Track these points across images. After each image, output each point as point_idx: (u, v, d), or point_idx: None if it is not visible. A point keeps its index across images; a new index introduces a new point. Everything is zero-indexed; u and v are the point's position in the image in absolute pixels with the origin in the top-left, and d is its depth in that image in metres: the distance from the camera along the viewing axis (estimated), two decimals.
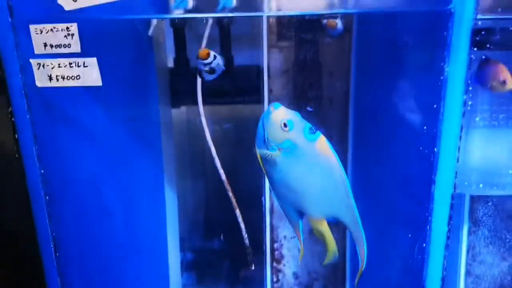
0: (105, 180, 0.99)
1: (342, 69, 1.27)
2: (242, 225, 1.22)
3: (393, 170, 0.84)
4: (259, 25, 1.26)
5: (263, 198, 1.42)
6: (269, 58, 1.33)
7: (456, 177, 0.69)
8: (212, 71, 0.96)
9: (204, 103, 1.24)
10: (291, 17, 1.13)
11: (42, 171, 0.72)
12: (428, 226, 0.72)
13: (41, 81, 0.66)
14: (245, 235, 1.23)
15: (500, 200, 1.27)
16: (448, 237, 0.72)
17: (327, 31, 0.96)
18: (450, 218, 0.71)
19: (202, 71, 0.96)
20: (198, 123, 1.23)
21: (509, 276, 1.39)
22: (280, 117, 0.67)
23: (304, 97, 1.34)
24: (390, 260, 0.88)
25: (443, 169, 0.69)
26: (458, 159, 0.68)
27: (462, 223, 1.28)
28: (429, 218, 0.71)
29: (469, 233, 1.29)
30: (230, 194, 1.22)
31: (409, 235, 0.77)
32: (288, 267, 1.47)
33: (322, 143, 0.67)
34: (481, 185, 0.77)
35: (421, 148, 0.71)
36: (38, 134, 0.71)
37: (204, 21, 1.05)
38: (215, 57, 0.94)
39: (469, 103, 0.65)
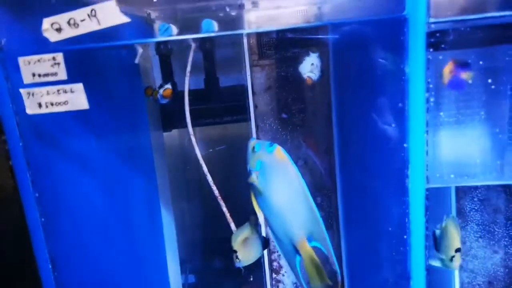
0: (100, 203, 1.02)
1: (322, 81, 1.32)
2: None
3: (372, 169, 0.89)
4: (240, 46, 1.32)
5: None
6: (252, 77, 1.39)
7: (427, 169, 0.73)
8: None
9: (193, 125, 1.28)
10: (269, 32, 1.19)
11: (37, 195, 0.76)
12: (406, 219, 0.76)
13: (31, 109, 0.71)
14: None
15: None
16: (427, 228, 0.76)
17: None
18: (427, 209, 0.75)
19: (162, 103, 1.16)
20: (187, 142, 1.27)
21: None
22: (252, 145, 0.87)
23: (288, 111, 1.40)
24: (377, 252, 0.91)
25: (414, 163, 0.73)
26: (427, 152, 0.72)
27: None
28: (407, 210, 0.75)
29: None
30: (224, 209, 1.25)
31: (390, 229, 0.81)
32: (287, 277, 1.49)
33: (278, 151, 0.83)
34: (452, 176, 0.81)
35: (392, 145, 0.76)
36: (31, 159, 0.75)
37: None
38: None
39: (432, 99, 0.70)
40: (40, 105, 0.70)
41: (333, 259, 0.84)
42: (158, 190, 1.52)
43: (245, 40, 1.30)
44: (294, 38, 1.28)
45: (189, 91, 1.27)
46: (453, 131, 0.81)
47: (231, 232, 1.28)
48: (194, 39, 1.26)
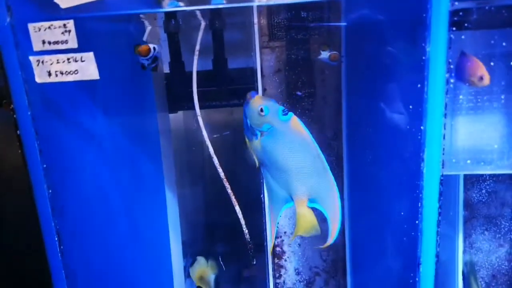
0: (105, 179, 1.01)
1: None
2: (242, 221, 1.24)
3: (384, 151, 0.87)
4: (250, 27, 1.30)
5: (262, 196, 1.45)
6: (261, 59, 1.36)
7: (443, 154, 0.71)
8: (154, 60, 1.02)
9: (200, 107, 1.27)
10: (280, 10, 1.17)
11: (45, 166, 0.75)
12: (419, 203, 0.74)
13: (40, 77, 0.69)
14: (246, 231, 1.25)
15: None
16: (439, 214, 0.74)
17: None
18: (441, 194, 0.73)
19: (144, 64, 1.03)
20: (195, 122, 1.25)
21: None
22: (257, 104, 0.76)
23: (297, 94, 1.38)
24: (386, 236, 0.90)
25: (430, 146, 0.71)
26: (444, 136, 0.71)
27: (457, 213, 1.30)
28: (420, 195, 0.74)
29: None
30: (229, 191, 1.24)
31: (402, 213, 0.79)
32: (290, 263, 1.48)
33: (295, 122, 0.76)
34: (468, 161, 0.80)
35: (408, 127, 0.74)
36: (39, 129, 0.73)
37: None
38: (154, 49, 1.00)
39: (452, 81, 0.68)
40: (49, 74, 0.69)
41: (337, 223, 0.79)
42: (163, 171, 1.51)
43: (255, 20, 1.28)
44: (306, 19, 1.25)
45: (196, 72, 1.25)
46: (471, 115, 0.79)
47: (233, 216, 1.27)
48: (204, 17, 1.25)
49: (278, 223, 0.88)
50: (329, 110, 1.36)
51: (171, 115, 1.59)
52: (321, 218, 0.81)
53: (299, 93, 1.34)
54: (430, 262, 0.76)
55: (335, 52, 1.05)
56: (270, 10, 1.31)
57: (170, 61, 1.43)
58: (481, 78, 0.78)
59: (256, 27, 1.28)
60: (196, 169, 1.74)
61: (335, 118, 1.34)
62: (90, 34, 0.81)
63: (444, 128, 0.70)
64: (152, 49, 1.04)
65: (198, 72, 1.26)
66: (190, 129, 1.72)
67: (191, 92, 1.26)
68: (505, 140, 0.81)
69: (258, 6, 1.26)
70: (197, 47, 1.24)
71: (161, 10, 0.82)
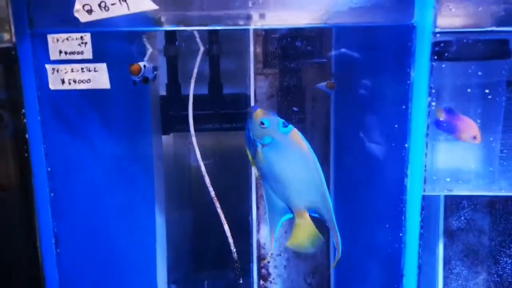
0: (102, 192, 1.04)
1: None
2: (231, 240, 1.26)
3: (371, 167, 0.93)
4: (246, 53, 1.37)
5: (250, 218, 1.48)
6: (255, 85, 1.43)
7: (425, 170, 0.77)
8: (146, 79, 1.07)
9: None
10: (276, 30, 1.25)
11: (49, 169, 0.78)
12: (403, 217, 0.79)
13: (54, 85, 0.74)
14: (234, 249, 1.27)
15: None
16: (421, 227, 0.79)
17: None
18: (423, 208, 0.79)
19: (137, 82, 1.07)
20: (188, 144, 1.29)
21: None
22: (258, 117, 0.80)
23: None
24: (370, 250, 0.94)
25: (413, 163, 0.77)
26: (426, 154, 0.77)
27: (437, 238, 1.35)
28: (404, 209, 0.79)
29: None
30: (219, 210, 1.27)
31: (387, 225, 0.84)
32: (275, 284, 1.50)
33: (295, 134, 0.79)
34: (448, 179, 0.86)
35: (393, 144, 0.80)
36: (47, 134, 0.77)
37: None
38: (145, 67, 1.05)
39: (433, 104, 0.75)
40: (63, 82, 0.73)
41: (336, 234, 0.80)
42: (155, 194, 1.53)
43: (251, 48, 1.35)
44: (299, 48, 1.33)
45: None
46: (450, 140, 0.86)
47: (219, 240, 1.29)
48: (203, 42, 1.31)
49: (277, 233, 0.89)
50: (319, 135, 1.42)
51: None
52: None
53: (295, 109, 1.40)
54: (413, 273, 0.80)
55: (332, 81, 1.12)
56: (265, 39, 1.39)
57: (167, 83, 1.48)
58: (474, 138, 0.85)
59: (251, 54, 1.36)
60: (183, 192, 1.76)
61: (324, 143, 1.40)
62: (100, 49, 0.86)
63: (426, 147, 0.77)
64: (142, 68, 1.09)
65: (193, 96, 1.31)
66: (178, 152, 1.75)
67: (185, 114, 1.31)
68: (482, 162, 0.88)
69: (255, 34, 1.34)
70: (195, 70, 1.30)
71: (161, 28, 0.87)
